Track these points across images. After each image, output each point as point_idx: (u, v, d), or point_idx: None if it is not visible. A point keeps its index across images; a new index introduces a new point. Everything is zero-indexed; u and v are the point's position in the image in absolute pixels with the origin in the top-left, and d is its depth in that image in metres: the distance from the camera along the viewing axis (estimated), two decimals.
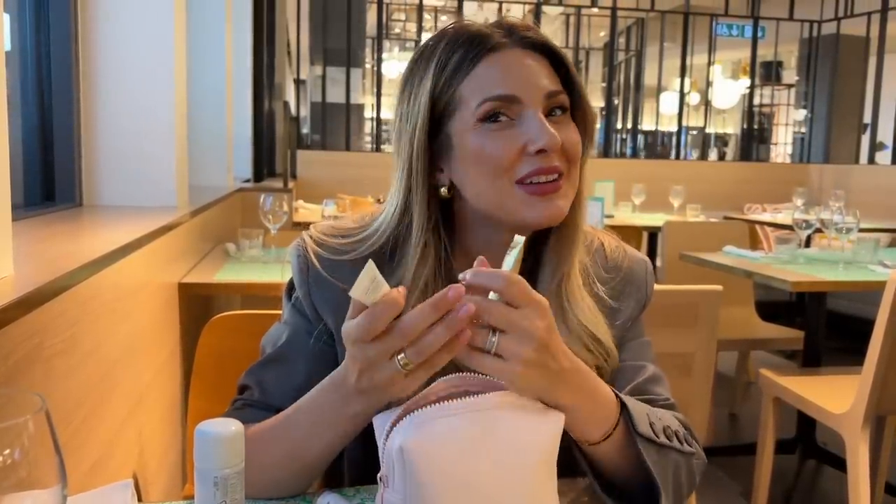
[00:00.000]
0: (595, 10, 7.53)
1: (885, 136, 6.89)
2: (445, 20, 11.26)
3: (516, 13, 7.16)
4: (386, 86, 7.04)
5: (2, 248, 0.97)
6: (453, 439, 0.65)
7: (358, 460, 0.87)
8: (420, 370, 0.65)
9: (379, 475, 0.68)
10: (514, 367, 0.66)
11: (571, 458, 0.77)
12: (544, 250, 0.87)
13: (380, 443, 0.68)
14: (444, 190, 0.84)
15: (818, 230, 2.87)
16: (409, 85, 0.84)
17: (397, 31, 12.90)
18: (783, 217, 4.60)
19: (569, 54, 0.86)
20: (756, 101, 8.83)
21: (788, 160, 11.06)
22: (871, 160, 6.48)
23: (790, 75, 10.94)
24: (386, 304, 0.63)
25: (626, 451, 0.77)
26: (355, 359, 0.66)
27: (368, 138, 10.85)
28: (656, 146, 12.79)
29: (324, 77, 6.93)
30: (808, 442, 2.80)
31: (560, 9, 8.69)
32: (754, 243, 3.53)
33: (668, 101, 10.34)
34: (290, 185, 4.35)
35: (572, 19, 9.55)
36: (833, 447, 2.69)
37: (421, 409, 0.66)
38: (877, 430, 2.26)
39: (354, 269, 0.65)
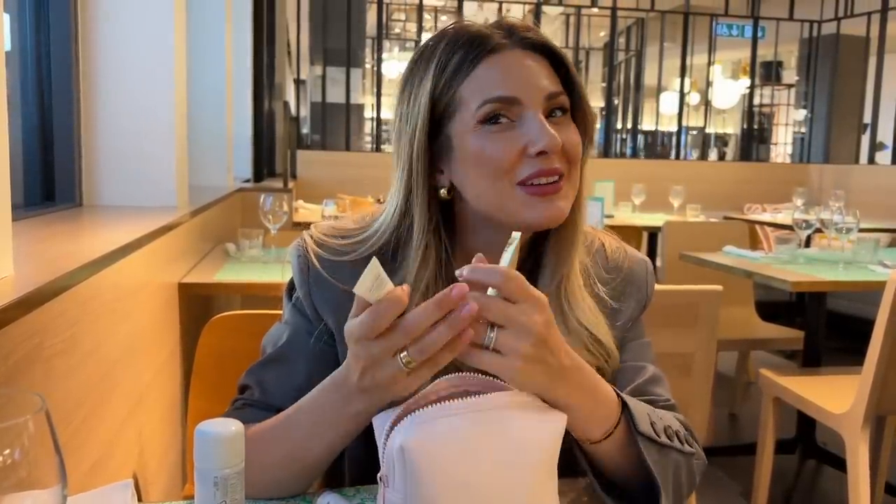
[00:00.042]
0: (595, 10, 7.53)
1: (885, 136, 6.89)
2: (445, 20, 11.26)
3: (516, 13, 7.16)
4: (386, 86, 7.04)
5: (2, 248, 0.97)
6: (454, 439, 0.65)
7: (359, 459, 0.87)
8: (422, 368, 0.65)
9: (379, 475, 0.68)
10: (513, 362, 0.66)
11: (572, 458, 0.77)
12: (544, 251, 0.87)
13: (380, 442, 0.68)
14: (443, 191, 0.84)
15: (818, 230, 2.87)
16: (409, 85, 0.84)
17: (397, 31, 12.90)
18: (783, 217, 4.60)
19: (569, 54, 0.86)
20: (756, 101, 8.83)
21: (788, 160, 11.06)
22: (871, 160, 6.49)
23: (790, 75, 10.94)
24: (390, 302, 0.63)
25: (627, 451, 0.77)
26: (357, 357, 0.66)
27: (368, 138, 10.85)
28: (656, 146, 12.80)
29: (324, 77, 6.93)
30: (808, 442, 2.80)
31: (560, 9, 8.69)
32: (754, 243, 3.54)
33: (668, 101, 10.34)
34: (290, 185, 4.35)
35: (572, 19, 9.55)
36: (833, 447, 2.69)
37: (421, 408, 0.66)
38: (877, 430, 2.26)
39: (355, 271, 0.65)
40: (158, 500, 1.49)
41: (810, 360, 2.71)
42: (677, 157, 10.11)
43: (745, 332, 3.12)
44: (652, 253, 4.28)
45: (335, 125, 7.92)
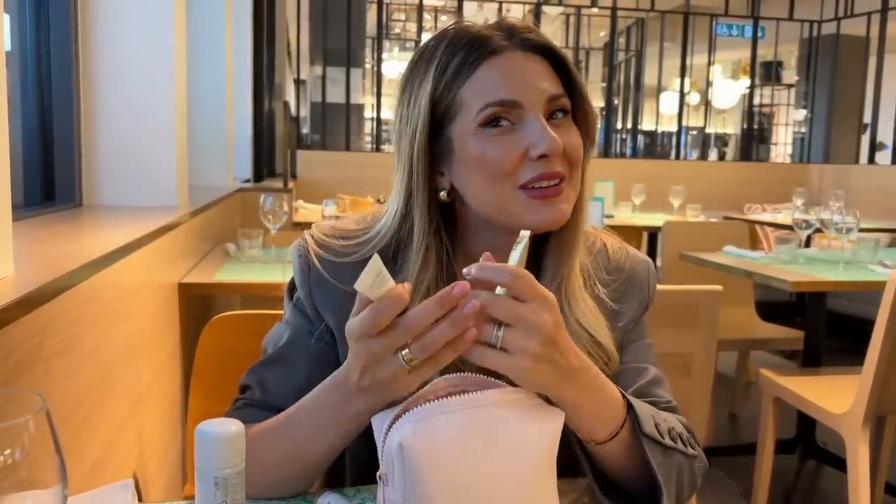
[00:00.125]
0: (595, 10, 7.52)
1: (885, 136, 6.89)
2: (445, 20, 11.26)
3: (516, 13, 7.16)
4: (386, 86, 7.04)
5: (2, 248, 0.97)
6: (453, 436, 0.65)
7: (360, 458, 0.87)
8: (423, 367, 0.65)
9: (378, 473, 0.68)
10: (521, 361, 0.65)
11: (572, 458, 0.77)
12: (544, 253, 0.87)
13: (378, 441, 0.68)
14: (443, 194, 0.84)
15: (818, 230, 2.87)
16: (409, 87, 0.83)
17: (397, 31, 12.90)
18: (783, 217, 4.60)
19: (569, 54, 0.86)
20: (756, 101, 8.83)
21: (788, 160, 11.06)
22: (871, 160, 6.49)
23: (790, 75, 10.94)
24: (391, 299, 0.63)
25: (632, 452, 0.77)
26: (358, 356, 0.66)
27: (368, 138, 10.85)
28: (656, 146, 12.80)
29: (324, 77, 6.93)
30: (808, 442, 2.80)
31: (560, 9, 8.69)
32: (754, 243, 3.54)
33: (668, 102, 10.34)
34: (290, 185, 4.35)
35: (572, 19, 9.55)
36: (833, 447, 2.69)
37: (420, 405, 0.66)
38: (877, 430, 2.26)
39: (355, 272, 0.65)
40: (158, 500, 1.49)
41: (810, 360, 2.71)
42: (677, 157, 10.12)
43: (745, 332, 3.12)
44: (652, 253, 4.28)
45: (335, 125, 7.92)
